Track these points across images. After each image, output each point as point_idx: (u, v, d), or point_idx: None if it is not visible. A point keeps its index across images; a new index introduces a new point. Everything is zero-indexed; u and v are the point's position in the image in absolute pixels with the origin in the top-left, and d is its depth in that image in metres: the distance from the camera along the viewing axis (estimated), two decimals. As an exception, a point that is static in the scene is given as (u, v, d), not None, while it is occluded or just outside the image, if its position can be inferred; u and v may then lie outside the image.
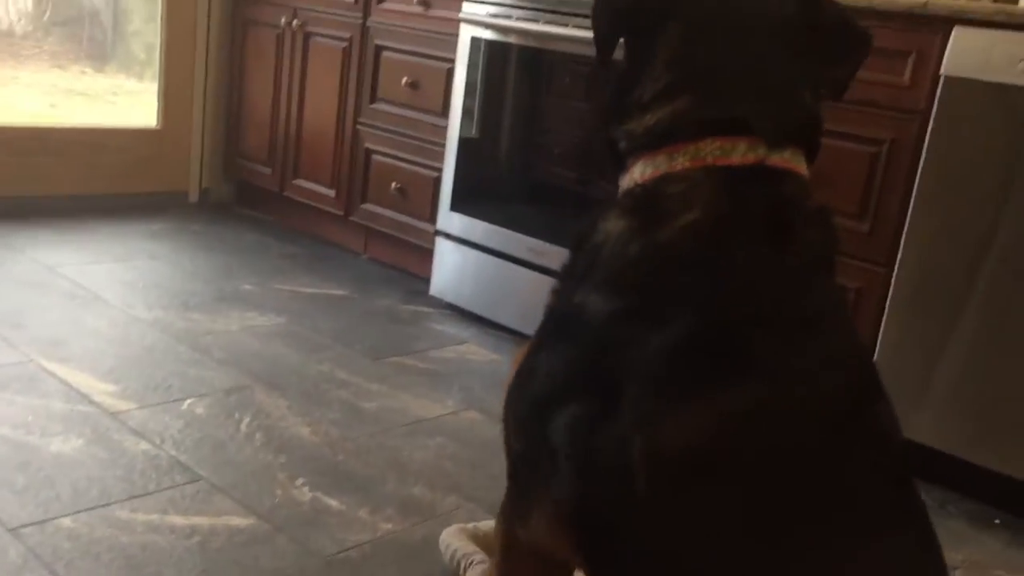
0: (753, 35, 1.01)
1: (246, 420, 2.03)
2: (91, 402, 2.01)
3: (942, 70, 2.00)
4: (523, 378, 1.01)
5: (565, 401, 0.94)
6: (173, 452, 1.85)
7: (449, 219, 2.91)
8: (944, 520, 2.03)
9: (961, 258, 2.01)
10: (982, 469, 2.05)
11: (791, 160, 0.99)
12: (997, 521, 2.05)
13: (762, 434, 0.88)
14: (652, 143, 0.99)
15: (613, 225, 0.98)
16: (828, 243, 1.00)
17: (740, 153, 0.96)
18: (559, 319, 1.01)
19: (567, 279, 1.01)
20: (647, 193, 0.97)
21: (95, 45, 3.79)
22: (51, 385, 2.06)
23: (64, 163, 3.39)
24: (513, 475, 1.05)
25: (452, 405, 2.26)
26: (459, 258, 2.89)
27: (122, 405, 2.01)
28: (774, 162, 0.97)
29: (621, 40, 1.09)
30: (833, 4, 1.08)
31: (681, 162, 0.96)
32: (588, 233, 1.01)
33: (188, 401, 2.08)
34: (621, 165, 1.04)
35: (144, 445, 1.86)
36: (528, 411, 0.99)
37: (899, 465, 0.96)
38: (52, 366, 2.15)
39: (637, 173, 1.00)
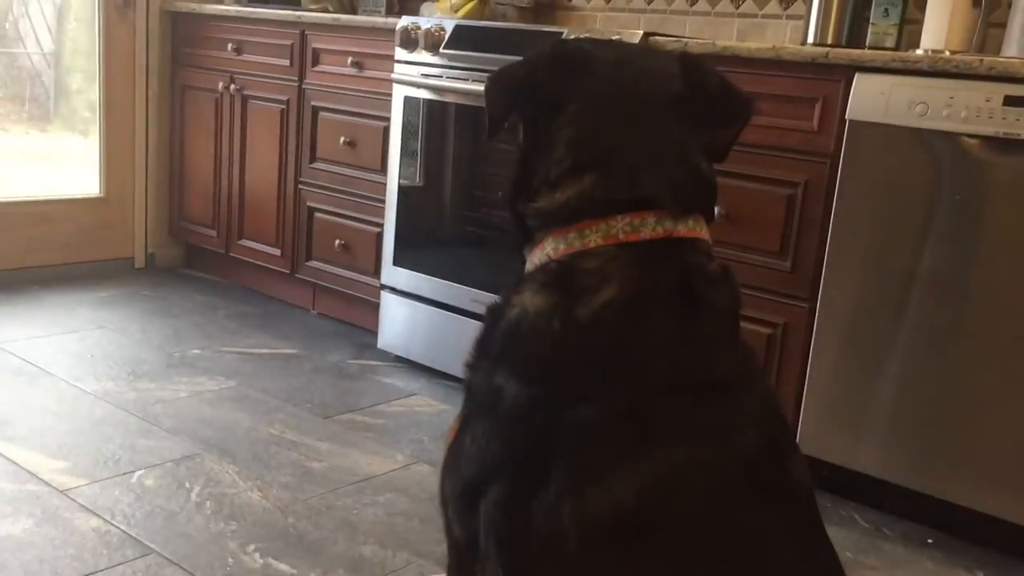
0: (647, 110, 1.08)
1: (196, 489, 2.06)
2: (40, 480, 2.03)
3: (847, 115, 2.11)
4: (452, 461, 1.06)
5: (494, 480, 0.99)
6: (124, 527, 1.88)
7: (392, 273, 2.97)
8: (881, 542, 2.11)
9: (884, 291, 2.11)
10: (916, 493, 2.14)
11: (695, 228, 1.06)
12: (930, 541, 2.14)
13: (679, 494, 0.94)
14: (562, 220, 1.04)
15: (530, 300, 1.02)
16: (732, 302, 1.07)
17: (649, 228, 1.02)
18: (481, 400, 1.04)
19: (483, 356, 1.06)
20: (563, 269, 1.02)
21: (37, 105, 3.81)
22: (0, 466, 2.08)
23: (8, 236, 3.41)
24: (453, 549, 1.10)
25: (402, 459, 2.31)
26: (405, 311, 2.95)
27: (71, 482, 2.04)
28: (680, 233, 1.04)
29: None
30: (715, 74, 1.15)
31: (594, 239, 1.02)
32: (502, 308, 1.06)
33: (138, 473, 2.11)
34: (529, 239, 1.09)
35: (95, 522, 1.89)
36: (461, 494, 1.04)
37: (809, 517, 1.03)
38: (0, 446, 2.17)
39: (549, 248, 1.05)
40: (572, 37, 1.19)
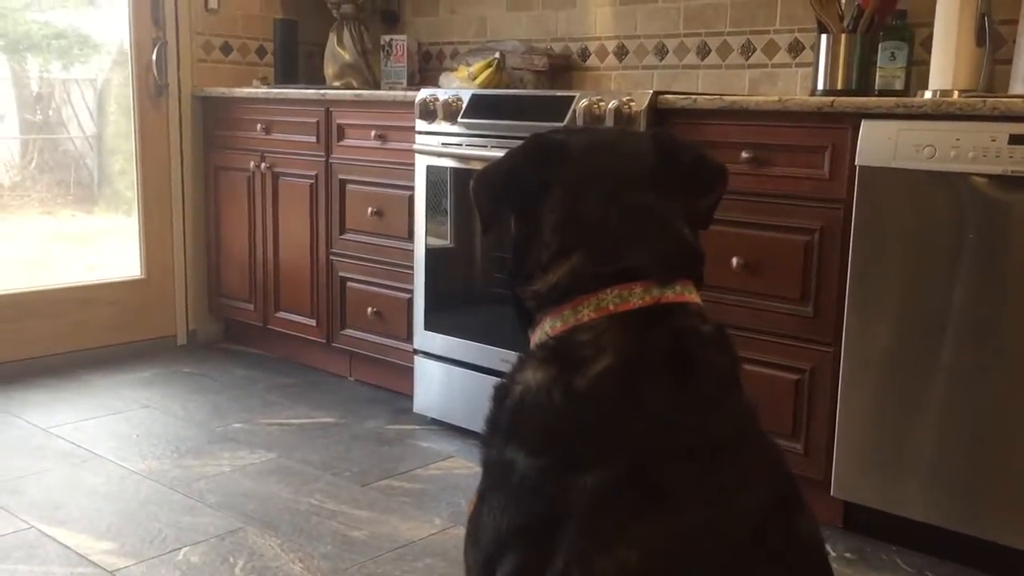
0: (625, 187, 1.13)
1: (240, 564, 2.11)
2: (90, 563, 2.09)
3: (856, 161, 2.15)
4: (471, 534, 1.10)
5: (509, 551, 1.03)
6: (171, 605, 1.93)
7: (425, 337, 3.03)
8: (922, 586, 2.10)
9: (908, 331, 2.11)
10: (958, 534, 2.12)
11: (683, 293, 1.10)
12: (973, 581, 2.12)
13: (684, 557, 0.97)
14: (557, 299, 1.11)
15: (532, 376, 1.08)
16: (729, 361, 1.10)
17: (637, 297, 1.07)
18: (495, 475, 1.09)
19: (494, 432, 1.11)
20: (560, 344, 1.08)
21: (82, 188, 3.95)
22: (51, 550, 2.14)
23: (56, 322, 3.53)
24: None
25: (440, 523, 2.34)
26: (438, 374, 3.00)
27: (120, 563, 2.10)
28: (668, 299, 1.08)
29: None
30: (688, 145, 1.21)
31: (587, 313, 1.07)
32: (508, 386, 1.11)
33: (184, 550, 2.16)
34: (530, 321, 1.15)
35: (143, 601, 1.94)
36: (482, 565, 1.08)
37: (819, 573, 1.05)
38: (51, 530, 2.24)
39: (548, 327, 1.11)
40: (547, 130, 1.25)
